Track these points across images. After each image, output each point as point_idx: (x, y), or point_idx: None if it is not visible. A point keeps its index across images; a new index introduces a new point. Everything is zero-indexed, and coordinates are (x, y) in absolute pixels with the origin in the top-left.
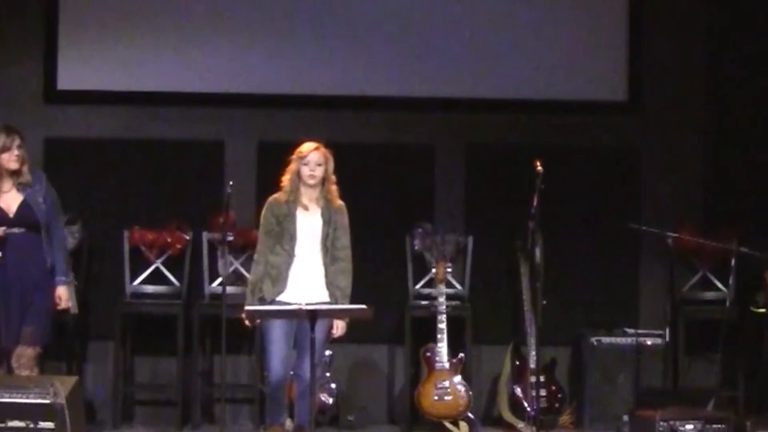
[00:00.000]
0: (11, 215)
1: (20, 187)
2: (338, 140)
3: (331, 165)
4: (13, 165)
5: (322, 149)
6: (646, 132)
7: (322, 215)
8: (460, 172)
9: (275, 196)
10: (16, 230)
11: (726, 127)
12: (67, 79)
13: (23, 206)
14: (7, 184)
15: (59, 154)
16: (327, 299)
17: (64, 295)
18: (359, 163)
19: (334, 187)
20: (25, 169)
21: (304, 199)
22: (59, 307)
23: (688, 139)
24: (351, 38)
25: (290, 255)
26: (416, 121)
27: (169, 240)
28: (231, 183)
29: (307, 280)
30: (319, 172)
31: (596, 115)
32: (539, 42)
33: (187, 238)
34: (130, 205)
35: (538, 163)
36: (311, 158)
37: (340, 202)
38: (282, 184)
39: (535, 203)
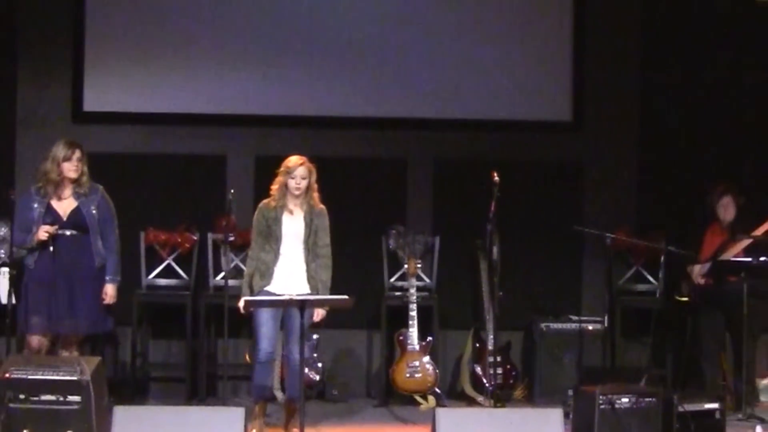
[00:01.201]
0: (64, 218)
1: (77, 195)
2: (324, 154)
3: (314, 176)
4: (72, 174)
5: (307, 163)
6: (587, 148)
7: (305, 219)
8: (429, 182)
9: (265, 201)
10: (67, 232)
11: (655, 145)
12: (92, 102)
13: (75, 211)
14: (67, 191)
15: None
16: (307, 291)
17: (110, 291)
18: (342, 174)
19: (316, 195)
20: (83, 179)
21: (290, 205)
22: (105, 302)
23: (623, 154)
24: (335, 67)
25: (276, 253)
26: (391, 138)
27: (179, 240)
28: (232, 191)
29: (290, 275)
30: (303, 184)
31: (545, 133)
32: (496, 71)
33: (195, 238)
34: (146, 210)
35: (495, 174)
36: (297, 173)
37: (321, 206)
38: (271, 192)
39: (492, 208)
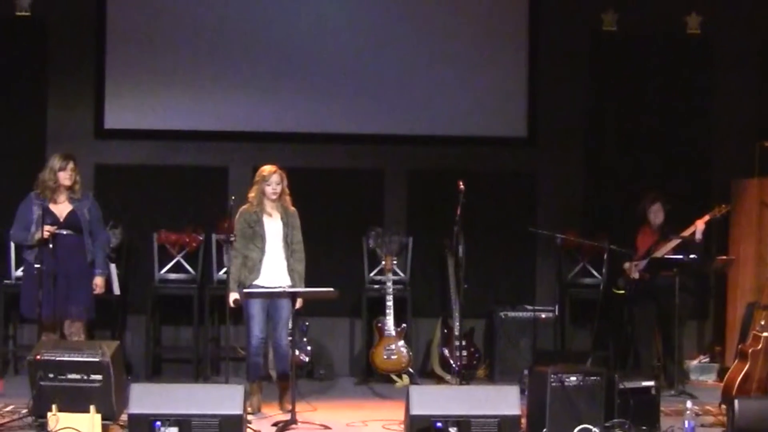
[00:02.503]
0: (61, 220)
1: (71, 200)
2: (312, 166)
3: (285, 182)
4: (67, 182)
5: (279, 171)
6: (540, 160)
7: (282, 219)
8: (403, 190)
9: (245, 207)
10: (64, 231)
11: (599, 158)
12: (112, 121)
13: (71, 214)
14: (62, 196)
15: (106, 177)
16: (289, 282)
17: (99, 282)
18: (327, 183)
19: (288, 198)
20: (76, 187)
21: (268, 209)
22: (95, 292)
23: (572, 165)
24: (321, 91)
25: (262, 251)
26: (370, 152)
27: (187, 240)
28: (233, 198)
29: (274, 269)
30: (278, 189)
31: (503, 147)
32: (462, 93)
33: (201, 238)
34: (158, 214)
35: (461, 183)
36: (272, 179)
37: (293, 209)
38: (250, 198)
39: (458, 213)
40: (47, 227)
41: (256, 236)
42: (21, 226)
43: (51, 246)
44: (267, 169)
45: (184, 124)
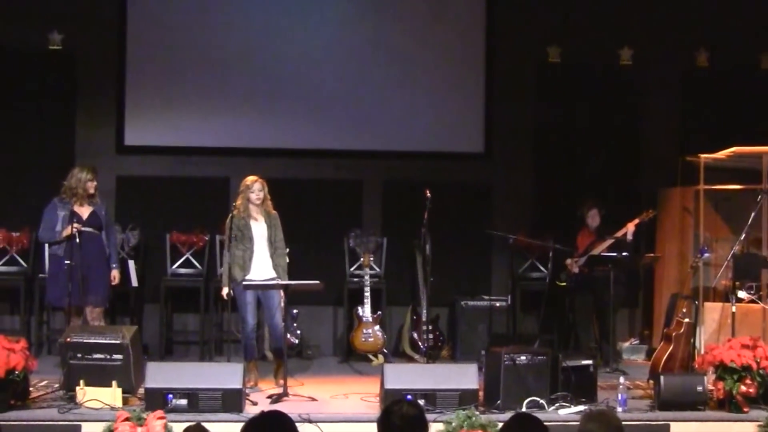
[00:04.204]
0: (84, 219)
1: (91, 204)
2: (300, 177)
3: (266, 189)
4: (92, 190)
5: (260, 180)
6: (495, 172)
7: (266, 222)
8: (379, 197)
9: (233, 213)
10: (86, 229)
11: (545, 170)
12: (131, 138)
13: (92, 215)
14: (85, 201)
15: (126, 187)
16: (274, 275)
17: (116, 274)
18: (315, 191)
19: (269, 203)
20: (97, 194)
21: (253, 213)
22: (113, 283)
23: (522, 176)
24: (309, 113)
25: (250, 251)
26: (351, 165)
27: (195, 240)
28: (234, 204)
29: (261, 265)
30: (261, 195)
31: (464, 161)
32: (428, 115)
33: (206, 238)
34: (170, 218)
35: (428, 192)
36: (255, 187)
37: (274, 212)
38: (237, 205)
39: (425, 217)
40: (75, 224)
41: (245, 238)
42: (47, 226)
43: (78, 241)
44: (250, 179)
45: (193, 141)
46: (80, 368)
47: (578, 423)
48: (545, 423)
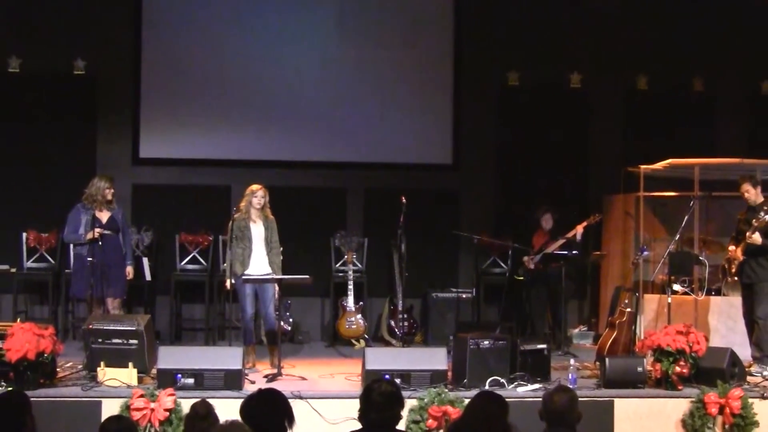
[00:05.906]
0: (104, 223)
1: (109, 209)
2: (292, 185)
3: (267, 197)
4: (110, 197)
5: (263, 188)
6: (462, 181)
7: (264, 225)
8: (361, 203)
9: (236, 215)
10: (106, 232)
11: (507, 179)
12: (145, 151)
13: (110, 219)
14: (104, 207)
15: (141, 194)
16: (269, 270)
17: (130, 270)
18: (305, 198)
19: (268, 209)
20: (114, 200)
21: (253, 216)
22: (129, 278)
23: (486, 185)
24: (300, 129)
25: (249, 249)
26: (336, 175)
27: (200, 240)
28: (235, 209)
29: (258, 262)
30: (262, 201)
31: (435, 171)
32: (403, 130)
33: (210, 238)
34: (179, 221)
35: (403, 198)
36: (259, 194)
37: (272, 217)
38: (240, 207)
39: (401, 220)
40: (98, 229)
41: (245, 238)
42: (71, 229)
43: (100, 243)
44: (255, 186)
45: (199, 154)
46: (101, 351)
47: (535, 399)
48: (506, 399)
